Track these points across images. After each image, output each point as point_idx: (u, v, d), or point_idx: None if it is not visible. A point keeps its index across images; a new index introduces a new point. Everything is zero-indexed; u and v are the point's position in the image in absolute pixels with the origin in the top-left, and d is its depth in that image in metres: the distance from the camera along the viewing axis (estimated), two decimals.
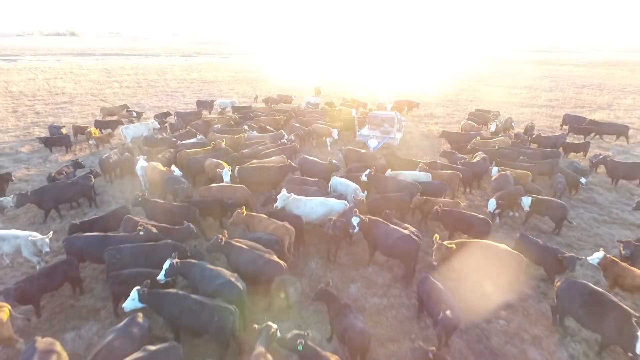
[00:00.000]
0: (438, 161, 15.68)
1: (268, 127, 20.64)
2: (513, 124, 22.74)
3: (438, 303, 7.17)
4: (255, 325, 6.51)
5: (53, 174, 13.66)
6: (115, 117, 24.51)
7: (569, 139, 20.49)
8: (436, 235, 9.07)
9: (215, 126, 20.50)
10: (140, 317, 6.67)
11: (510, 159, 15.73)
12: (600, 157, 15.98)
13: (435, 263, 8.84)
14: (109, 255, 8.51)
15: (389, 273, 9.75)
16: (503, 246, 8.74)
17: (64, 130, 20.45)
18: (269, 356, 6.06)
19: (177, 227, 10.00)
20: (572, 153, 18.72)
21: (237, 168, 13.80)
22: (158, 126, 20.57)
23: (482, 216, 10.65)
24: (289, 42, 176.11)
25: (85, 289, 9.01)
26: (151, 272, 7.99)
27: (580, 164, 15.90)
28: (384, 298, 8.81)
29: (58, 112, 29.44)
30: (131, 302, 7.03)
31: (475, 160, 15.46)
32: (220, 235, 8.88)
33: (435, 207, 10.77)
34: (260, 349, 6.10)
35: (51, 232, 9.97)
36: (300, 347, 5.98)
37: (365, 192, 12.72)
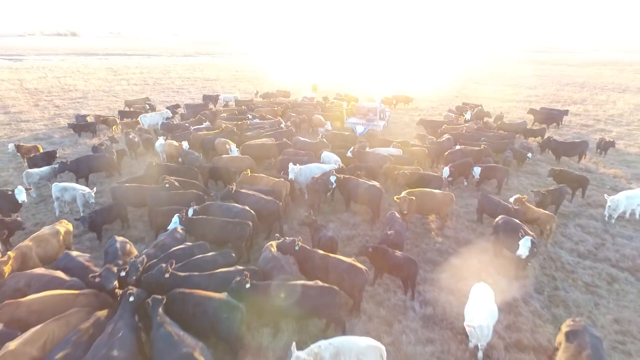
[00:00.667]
0: (411, 142, 18.90)
1: (268, 116, 23.93)
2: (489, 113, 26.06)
3: (392, 227, 10.33)
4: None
5: (96, 145, 17.04)
6: (131, 109, 27.75)
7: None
8: (396, 197, 12.02)
9: (222, 115, 23.77)
10: (179, 229, 9.90)
11: (472, 140, 18.96)
12: (546, 138, 19.22)
13: (405, 212, 11.79)
14: (152, 197, 11.75)
15: (359, 216, 12.98)
16: (438, 191, 11.97)
17: (89, 119, 23.68)
18: None
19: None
20: (531, 137, 21.93)
21: (242, 145, 17.07)
22: (171, 115, 23.90)
23: (436, 174, 13.90)
24: (288, 42, 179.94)
25: (130, 225, 12.25)
26: (180, 208, 11.14)
27: (530, 144, 19.15)
28: (353, 230, 12.05)
29: (76, 106, 32.71)
30: (173, 223, 10.23)
31: (441, 140, 18.70)
32: (230, 186, 12.13)
33: (403, 171, 13.97)
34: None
35: (95, 188, 13.25)
36: (297, 247, 8.87)
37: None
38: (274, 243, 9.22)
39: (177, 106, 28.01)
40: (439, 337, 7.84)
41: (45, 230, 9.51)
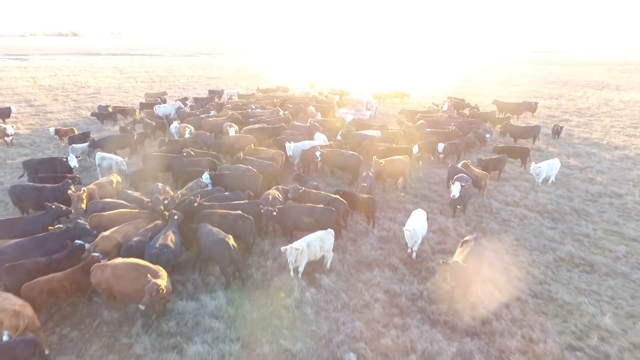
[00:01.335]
0: (390, 128, 22.44)
1: (268, 106, 27.53)
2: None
3: (366, 181, 13.81)
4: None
5: (123, 125, 20.66)
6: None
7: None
8: (365, 172, 15.47)
9: (227, 105, 27.36)
10: (203, 180, 13.41)
11: (443, 125, 22.50)
12: (504, 123, 22.77)
13: (371, 174, 15.23)
14: (177, 161, 15.29)
15: (341, 180, 16.49)
16: (399, 157, 15.52)
17: (110, 109, 27.25)
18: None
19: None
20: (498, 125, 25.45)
21: (244, 128, 20.64)
22: (182, 106, 27.46)
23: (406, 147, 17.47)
24: (287, 41, 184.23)
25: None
26: (202, 169, 14.61)
27: (490, 128, 22.72)
28: (333, 188, 15.53)
29: (92, 100, 36.26)
30: (205, 178, 13.66)
31: (417, 124, 22.26)
32: (239, 154, 15.69)
33: (381, 149, 17.45)
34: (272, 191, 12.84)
35: (127, 158, 16.76)
36: (300, 190, 12.40)
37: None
38: (272, 190, 12.76)
39: (186, 99, 31.62)
40: (388, 247, 11.35)
41: (104, 179, 13.08)
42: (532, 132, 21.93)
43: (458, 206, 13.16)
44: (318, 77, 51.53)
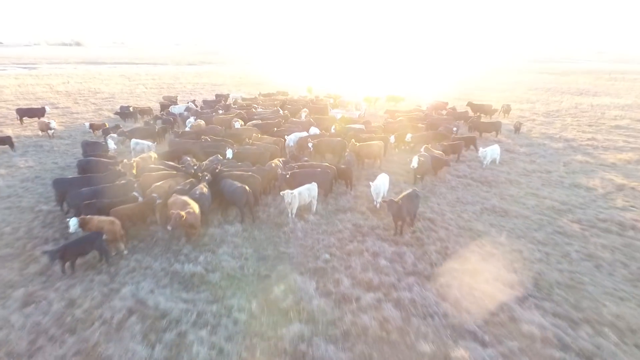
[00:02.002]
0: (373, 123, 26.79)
1: (269, 107, 31.99)
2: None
3: (347, 158, 18.08)
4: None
5: (146, 120, 25.11)
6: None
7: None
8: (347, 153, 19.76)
9: (233, 106, 31.83)
10: (228, 152, 17.68)
11: (418, 121, 26.86)
12: (470, 119, 27.13)
13: (351, 154, 19.49)
14: (200, 144, 19.59)
15: (328, 162, 20.71)
16: (375, 142, 19.79)
17: (131, 109, 31.67)
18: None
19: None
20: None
21: (249, 122, 24.99)
22: (194, 106, 31.91)
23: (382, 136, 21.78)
24: (286, 48, 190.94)
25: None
26: (218, 151, 18.88)
27: (458, 124, 27.11)
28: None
29: (110, 103, 40.78)
30: (228, 154, 17.91)
31: (395, 120, 26.63)
32: (247, 140, 20.00)
33: (361, 136, 21.72)
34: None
35: (155, 143, 21.06)
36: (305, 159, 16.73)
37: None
38: (275, 160, 17.03)
39: (194, 100, 36.17)
40: (360, 201, 15.53)
41: (144, 154, 17.37)
42: (493, 127, 26.27)
43: (417, 175, 17.40)
44: (315, 82, 56.26)
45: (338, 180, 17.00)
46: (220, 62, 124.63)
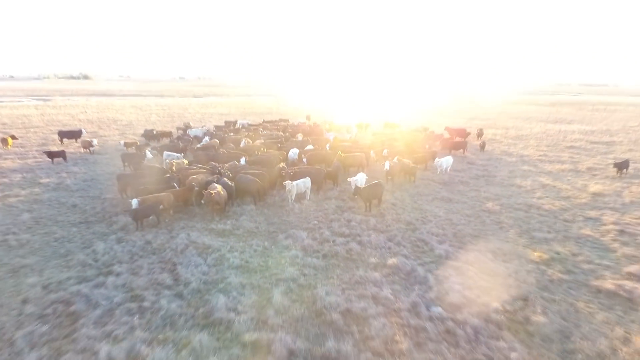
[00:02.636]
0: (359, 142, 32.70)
1: (274, 131, 38.17)
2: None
3: (335, 165, 23.79)
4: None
5: (171, 139, 31.09)
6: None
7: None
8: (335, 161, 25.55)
9: (242, 130, 38.02)
10: (241, 161, 23.40)
11: (394, 140, 32.82)
12: (444, 139, 33.08)
13: (338, 162, 25.18)
14: (220, 154, 25.41)
15: None
16: (358, 154, 25.54)
17: (154, 132, 37.77)
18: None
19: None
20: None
21: (257, 141, 30.93)
22: (207, 129, 38.10)
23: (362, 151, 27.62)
24: (286, 80, 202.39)
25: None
26: (236, 158, 24.62)
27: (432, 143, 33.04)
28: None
29: (130, 129, 47.03)
30: (242, 160, 23.65)
31: (377, 139, 32.61)
32: (255, 153, 25.83)
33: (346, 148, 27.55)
34: None
35: (182, 155, 26.88)
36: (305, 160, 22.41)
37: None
38: (281, 163, 22.72)
39: (204, 126, 42.49)
40: (343, 194, 20.99)
41: (178, 160, 23.12)
42: (461, 146, 32.15)
43: (389, 177, 23.01)
44: (313, 111, 63.02)
45: (327, 180, 22.59)
46: (224, 94, 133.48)
